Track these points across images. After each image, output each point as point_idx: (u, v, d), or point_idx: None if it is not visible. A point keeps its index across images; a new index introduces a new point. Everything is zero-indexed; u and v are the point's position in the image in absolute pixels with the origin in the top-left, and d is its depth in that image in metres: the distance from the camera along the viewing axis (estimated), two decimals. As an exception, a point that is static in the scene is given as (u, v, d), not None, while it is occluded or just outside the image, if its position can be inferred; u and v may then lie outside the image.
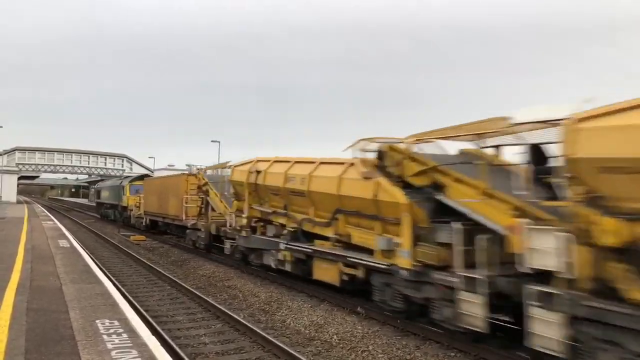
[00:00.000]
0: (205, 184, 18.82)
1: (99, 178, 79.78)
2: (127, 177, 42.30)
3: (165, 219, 24.22)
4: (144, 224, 27.83)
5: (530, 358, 7.20)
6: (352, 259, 9.77)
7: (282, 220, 12.54)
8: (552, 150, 6.96)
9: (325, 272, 10.67)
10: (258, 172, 13.31)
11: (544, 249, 6.13)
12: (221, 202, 17.60)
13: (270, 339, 8.06)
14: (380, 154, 9.45)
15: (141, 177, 35.40)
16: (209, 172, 19.99)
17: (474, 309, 7.21)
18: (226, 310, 9.95)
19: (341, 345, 8.15)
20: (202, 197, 19.20)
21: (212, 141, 51.76)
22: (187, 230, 20.05)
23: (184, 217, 20.51)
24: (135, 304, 10.13)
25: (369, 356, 7.63)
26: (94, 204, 52.06)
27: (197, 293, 11.73)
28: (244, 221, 14.05)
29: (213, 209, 18.40)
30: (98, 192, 46.93)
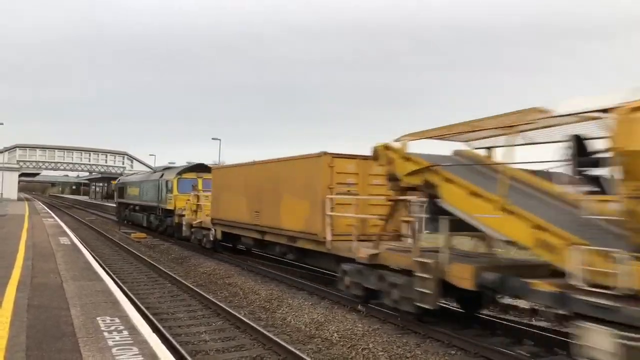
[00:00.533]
0: (425, 169, 8.17)
1: (99, 175, 79.83)
2: (169, 167, 30.56)
3: (266, 235, 13.55)
4: (211, 238, 17.60)
5: (529, 356, 7.22)
6: None
7: None
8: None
9: None
10: None
11: None
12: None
13: (271, 336, 8.07)
14: None
15: (198, 167, 24.61)
16: (410, 146, 8.80)
17: None
18: (227, 308, 9.96)
19: (342, 343, 8.15)
20: (403, 202, 9.09)
21: (212, 139, 51.71)
22: (346, 266, 10.10)
23: (327, 237, 10.70)
24: (136, 301, 10.14)
25: (370, 354, 7.63)
26: (115, 205, 40.70)
27: (198, 290, 11.74)
28: None
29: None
30: (120, 190, 35.82)
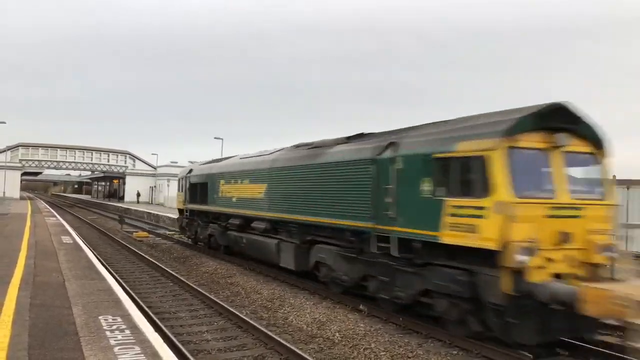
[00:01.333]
0: None
1: (101, 174, 79.90)
2: (419, 127, 9.28)
3: None
4: None
5: (532, 357, 7.20)
6: None
7: None
8: None
9: None
10: None
11: None
12: None
13: (273, 336, 8.07)
14: None
15: (557, 112, 7.36)
16: None
17: None
18: (229, 307, 9.96)
19: (343, 343, 8.15)
20: None
21: (215, 138, 51.59)
22: None
23: None
24: (138, 300, 10.15)
25: (371, 354, 7.62)
26: (183, 215, 21.22)
27: (200, 290, 11.74)
28: None
29: None
30: (197, 188, 18.91)
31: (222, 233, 16.87)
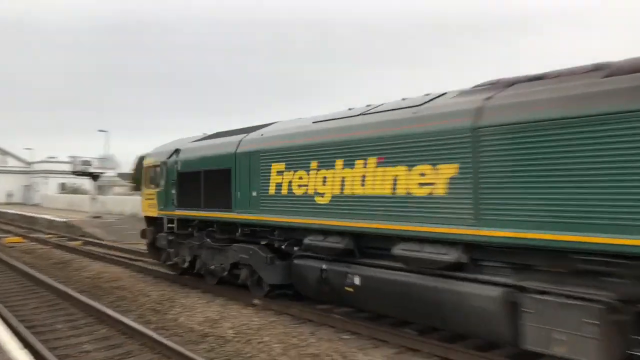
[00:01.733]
0: None
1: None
2: None
3: None
4: None
5: (417, 333, 7.66)
6: None
7: None
8: None
9: None
10: None
11: None
12: None
13: (160, 339, 7.68)
14: None
15: None
16: None
17: None
18: (111, 314, 9.29)
19: (237, 339, 8.02)
20: None
21: (99, 131, 47.26)
22: None
23: None
24: (4, 314, 9.09)
25: (265, 347, 7.59)
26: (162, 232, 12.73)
27: (79, 297, 10.82)
28: None
29: None
30: (202, 180, 10.78)
31: (271, 263, 9.48)
